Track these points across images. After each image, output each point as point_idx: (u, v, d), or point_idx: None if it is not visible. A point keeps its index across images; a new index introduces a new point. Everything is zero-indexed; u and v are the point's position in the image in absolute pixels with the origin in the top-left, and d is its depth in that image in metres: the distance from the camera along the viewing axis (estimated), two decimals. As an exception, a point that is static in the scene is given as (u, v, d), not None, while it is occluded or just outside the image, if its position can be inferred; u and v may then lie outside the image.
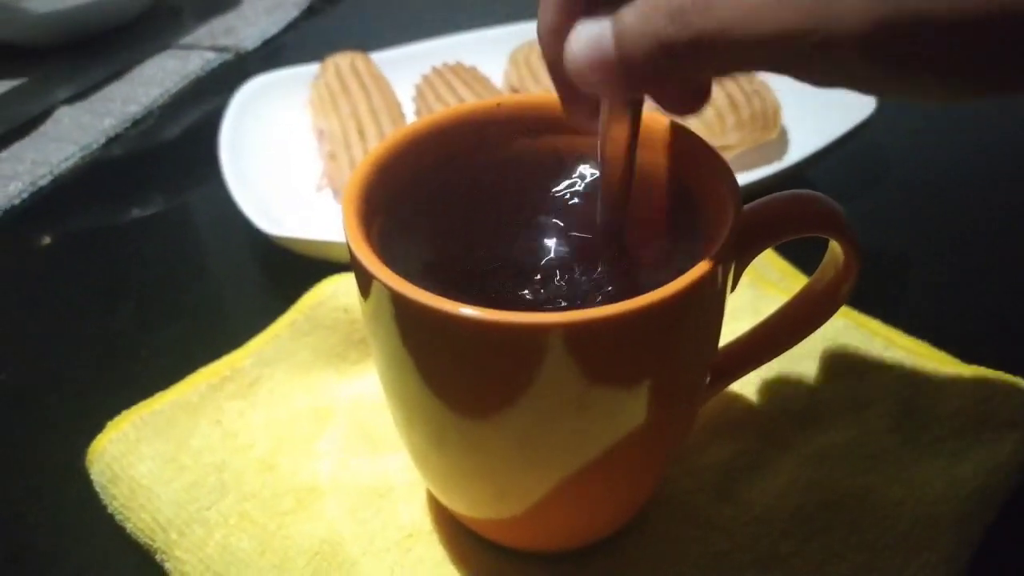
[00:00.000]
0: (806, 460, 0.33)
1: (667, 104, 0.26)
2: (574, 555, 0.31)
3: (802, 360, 0.37)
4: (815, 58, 0.19)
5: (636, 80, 0.22)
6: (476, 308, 0.22)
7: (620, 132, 0.26)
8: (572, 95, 0.26)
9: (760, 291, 0.40)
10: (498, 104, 0.30)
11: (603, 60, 0.22)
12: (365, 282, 0.25)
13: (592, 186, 0.30)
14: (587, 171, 0.30)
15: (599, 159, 0.27)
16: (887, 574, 0.29)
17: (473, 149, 0.30)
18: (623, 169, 0.26)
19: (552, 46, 0.24)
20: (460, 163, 0.30)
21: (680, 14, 0.20)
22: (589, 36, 0.22)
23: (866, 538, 0.30)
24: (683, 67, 0.21)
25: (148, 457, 0.34)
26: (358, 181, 0.27)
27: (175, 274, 0.49)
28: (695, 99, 0.26)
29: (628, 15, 0.21)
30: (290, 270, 0.43)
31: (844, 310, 0.38)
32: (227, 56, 0.70)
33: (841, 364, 0.36)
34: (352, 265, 0.25)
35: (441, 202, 0.29)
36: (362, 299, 0.26)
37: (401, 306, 0.24)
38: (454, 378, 0.25)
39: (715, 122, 0.49)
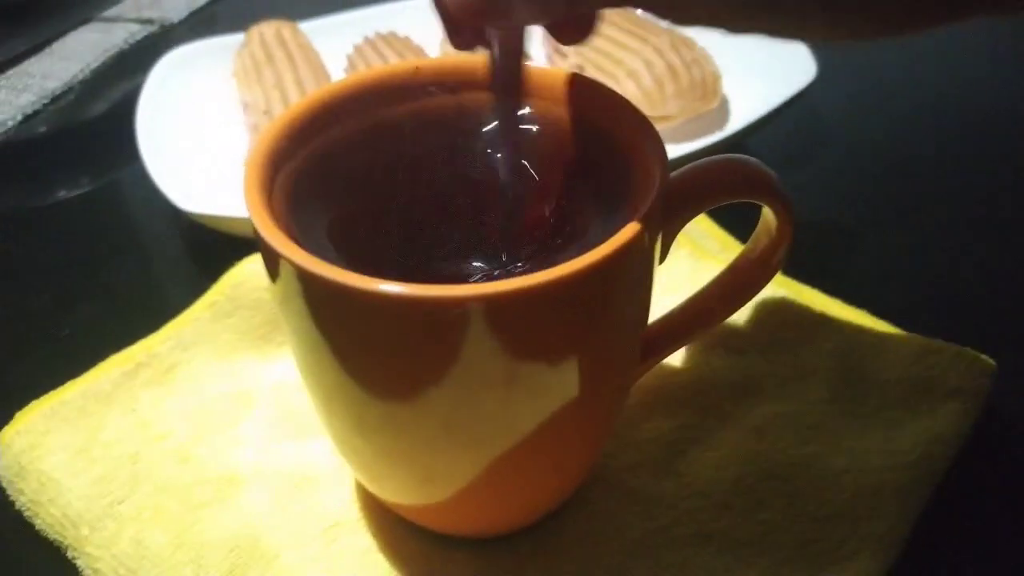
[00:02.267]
0: (746, 432, 0.33)
1: (555, 33, 0.26)
2: (507, 538, 0.30)
3: (739, 332, 0.36)
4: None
5: (504, 11, 0.22)
6: (391, 283, 0.21)
7: (510, 61, 0.26)
8: (456, 23, 0.26)
9: (699, 263, 0.39)
10: (416, 67, 0.28)
11: None
12: (272, 260, 0.23)
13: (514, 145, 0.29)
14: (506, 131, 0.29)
15: (494, 87, 0.26)
16: (830, 545, 0.29)
17: (390, 113, 0.28)
18: (515, 95, 0.26)
19: None
20: (376, 129, 0.28)
21: None
22: None
23: (808, 509, 0.30)
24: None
25: (58, 449, 0.32)
26: (262, 149, 0.25)
27: (94, 255, 0.46)
28: (583, 28, 0.25)
29: None
30: (215, 250, 0.41)
31: (782, 280, 0.37)
32: (152, 28, 0.67)
33: (779, 335, 0.36)
34: (257, 242, 0.24)
35: (356, 171, 0.28)
36: (271, 279, 0.24)
37: (311, 284, 0.22)
38: (372, 360, 0.24)
39: (654, 91, 0.48)
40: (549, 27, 0.26)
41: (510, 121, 0.27)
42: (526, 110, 0.28)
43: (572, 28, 0.25)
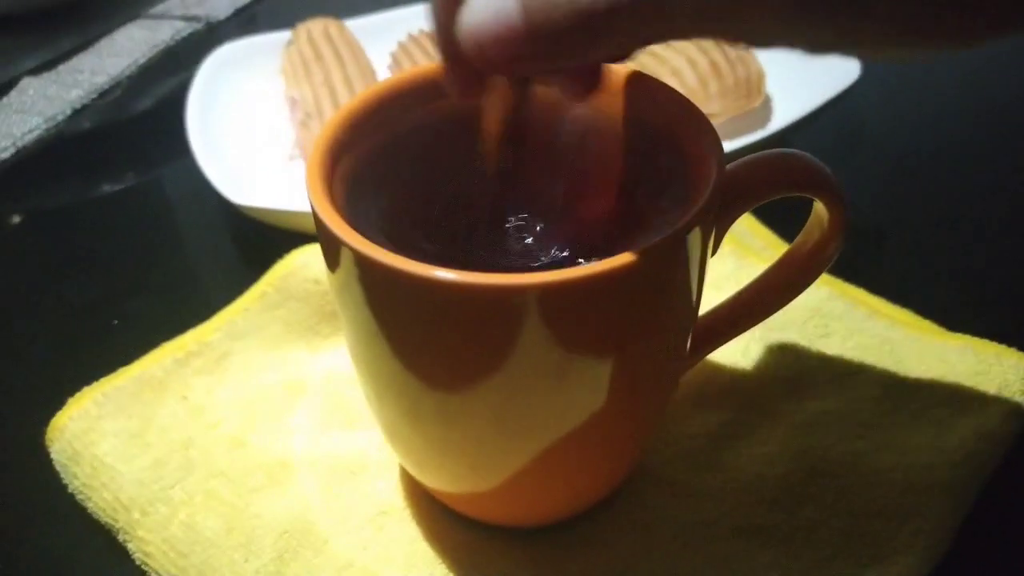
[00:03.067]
0: (794, 428, 0.33)
1: (564, 86, 0.24)
2: (552, 529, 0.30)
3: (786, 329, 0.36)
4: (742, 15, 0.18)
5: (545, 54, 0.20)
6: (448, 270, 0.21)
7: (501, 112, 0.24)
8: (459, 66, 0.23)
9: (743, 260, 0.39)
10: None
11: (507, 33, 0.19)
12: (331, 247, 0.24)
13: (569, 140, 0.29)
14: (561, 126, 0.29)
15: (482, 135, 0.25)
16: (877, 541, 0.29)
17: (443, 108, 0.29)
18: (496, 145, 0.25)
19: (444, 10, 0.21)
20: (429, 122, 0.29)
21: None
22: (490, 5, 0.19)
23: (856, 505, 0.30)
24: (599, 38, 0.19)
25: (111, 434, 0.33)
26: (323, 144, 0.26)
27: (145, 247, 0.47)
28: (590, 82, 0.24)
29: None
30: (264, 242, 0.41)
31: (828, 279, 0.37)
32: (198, 25, 0.68)
33: (826, 333, 0.36)
34: (318, 231, 0.24)
35: (411, 164, 0.28)
36: (328, 267, 0.25)
37: (369, 271, 0.23)
38: (427, 347, 0.24)
39: (698, 90, 0.48)
40: (562, 81, 0.25)
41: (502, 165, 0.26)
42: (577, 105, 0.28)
43: (586, 78, 0.25)
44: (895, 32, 0.18)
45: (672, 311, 0.25)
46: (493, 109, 0.25)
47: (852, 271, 0.38)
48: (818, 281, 0.30)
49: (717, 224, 0.25)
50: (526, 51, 0.19)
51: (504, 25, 0.19)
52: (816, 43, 0.19)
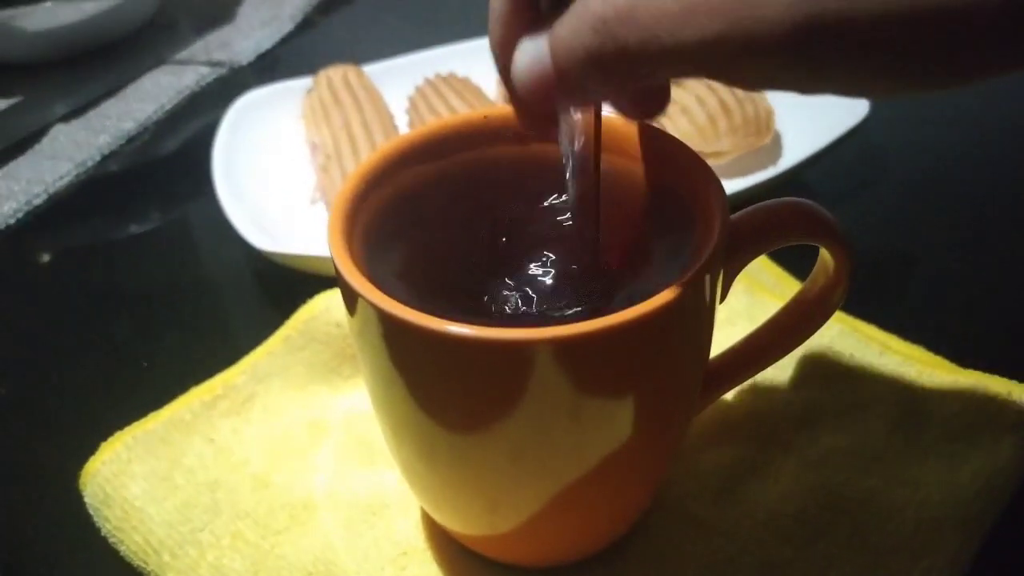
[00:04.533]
0: (808, 463, 0.33)
1: (625, 110, 0.26)
2: (571, 568, 0.31)
3: (798, 366, 0.36)
4: (740, 63, 0.19)
5: (572, 92, 0.22)
6: (463, 325, 0.22)
7: (581, 140, 0.26)
8: (524, 106, 0.26)
9: (755, 297, 0.39)
10: (485, 117, 0.30)
11: (542, 75, 0.22)
12: (351, 299, 0.25)
13: (565, 203, 0.30)
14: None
15: (565, 167, 0.27)
16: None
17: (461, 161, 0.30)
18: (590, 175, 0.26)
19: (503, 59, 0.24)
20: (448, 175, 0.30)
21: (603, 25, 0.20)
22: (529, 53, 0.22)
23: (870, 541, 0.30)
24: (613, 77, 0.21)
25: (141, 477, 0.34)
26: (344, 197, 0.27)
27: (171, 290, 0.48)
28: (653, 103, 0.26)
29: (560, 29, 0.21)
30: (287, 284, 0.42)
31: (839, 315, 0.38)
32: (222, 70, 0.70)
33: (837, 369, 0.36)
34: (339, 283, 0.25)
35: (429, 216, 0.29)
36: (349, 316, 0.26)
37: (387, 324, 0.24)
38: (443, 394, 0.25)
39: (707, 127, 0.48)
40: (620, 104, 0.26)
41: (586, 199, 0.27)
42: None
43: (646, 101, 0.26)
44: (884, 81, 0.19)
45: (682, 358, 0.26)
46: (574, 143, 0.26)
47: (863, 307, 0.38)
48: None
49: (724, 272, 0.26)
50: (560, 92, 0.22)
51: (539, 72, 0.22)
52: (812, 90, 0.20)
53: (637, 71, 0.21)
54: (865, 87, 0.20)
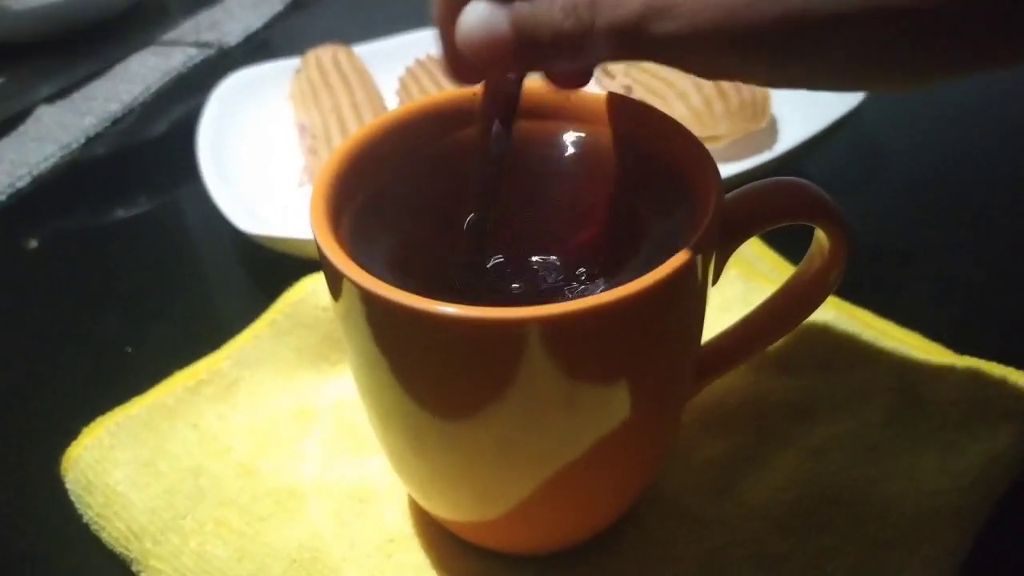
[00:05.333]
0: (804, 453, 0.33)
1: (556, 80, 0.27)
2: (561, 557, 0.30)
3: (794, 353, 0.36)
4: (702, 54, 0.20)
5: (528, 62, 0.24)
6: (450, 305, 0.22)
7: (502, 101, 0.27)
8: (457, 59, 0.26)
9: (751, 283, 0.39)
10: (475, 93, 0.29)
11: (497, 41, 0.23)
12: (335, 281, 0.24)
13: (569, 170, 0.29)
14: (561, 157, 0.29)
15: (489, 128, 0.27)
16: (889, 569, 0.29)
17: (449, 139, 0.29)
18: (507, 136, 0.27)
19: (443, 13, 0.25)
20: (436, 154, 0.29)
21: (573, 9, 0.21)
22: (481, 16, 0.23)
23: (867, 532, 0.30)
24: (576, 56, 0.22)
25: (123, 463, 0.33)
26: (328, 175, 0.26)
27: (156, 274, 0.48)
28: (581, 77, 0.27)
29: (523, 6, 0.22)
30: (274, 268, 0.42)
31: (835, 302, 0.37)
32: (210, 52, 0.69)
33: (834, 357, 0.35)
34: (322, 264, 0.24)
35: (416, 195, 0.29)
36: (333, 299, 0.25)
37: (372, 305, 0.23)
38: (430, 378, 0.24)
39: (704, 111, 0.48)
40: (550, 75, 0.27)
41: (502, 147, 0.28)
42: (575, 135, 0.29)
43: (576, 74, 0.27)
44: (846, 77, 0.21)
45: (674, 340, 0.25)
46: (490, 95, 0.27)
47: (861, 294, 0.38)
48: (825, 304, 0.30)
49: (718, 253, 0.25)
50: (512, 58, 0.23)
51: (495, 35, 0.23)
52: (775, 84, 0.22)
53: (599, 53, 0.22)
54: (827, 82, 0.21)
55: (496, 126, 0.27)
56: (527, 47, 0.22)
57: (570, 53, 0.22)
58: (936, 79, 0.20)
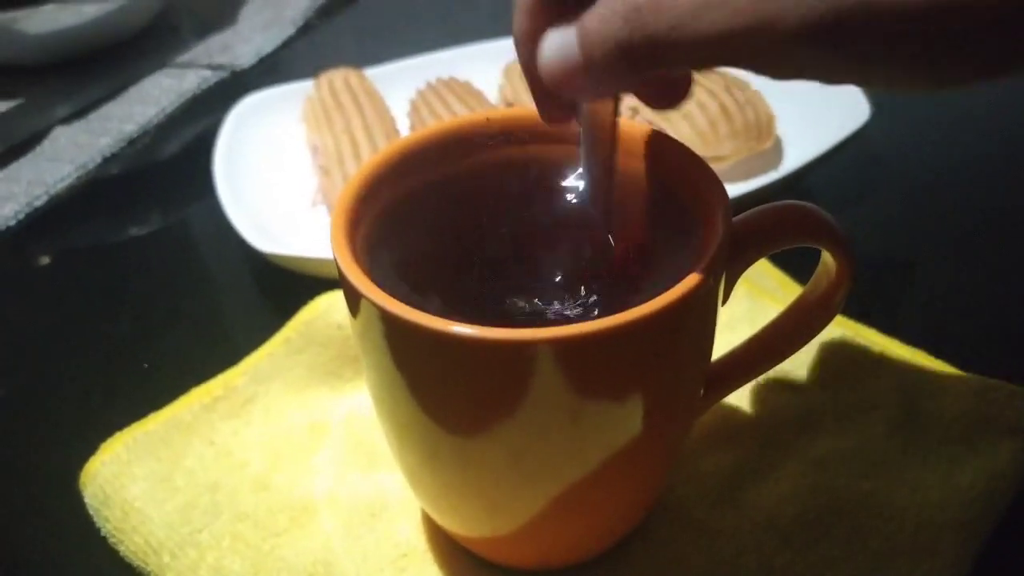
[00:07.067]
0: (808, 465, 0.33)
1: (647, 100, 0.27)
2: (572, 571, 0.31)
3: (799, 370, 0.36)
4: (768, 52, 0.20)
5: (601, 82, 0.23)
6: (465, 325, 0.22)
7: (601, 132, 0.26)
8: (547, 98, 0.27)
9: (757, 302, 0.40)
10: (487, 118, 0.30)
11: (571, 66, 0.22)
12: (354, 300, 0.25)
13: (580, 195, 0.30)
14: (575, 181, 0.30)
15: (583, 159, 0.27)
16: None
17: (463, 163, 0.30)
18: (607, 167, 0.27)
19: (527, 52, 0.25)
20: (450, 177, 0.30)
21: (635, 14, 0.20)
22: (557, 43, 0.23)
23: (870, 544, 0.30)
24: (642, 67, 0.21)
25: (141, 478, 0.34)
26: (347, 198, 0.27)
27: (172, 292, 0.48)
28: (674, 94, 0.26)
29: (588, 20, 0.22)
30: (287, 286, 0.43)
31: (840, 319, 0.38)
32: (223, 74, 0.70)
33: (838, 373, 0.36)
34: (341, 283, 0.25)
35: (431, 217, 0.29)
36: (352, 317, 0.26)
37: (390, 324, 0.24)
38: (445, 395, 0.25)
39: (708, 132, 0.49)
40: (641, 94, 0.27)
41: (599, 190, 0.28)
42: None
43: (669, 91, 0.26)
44: (895, 77, 0.20)
45: (684, 361, 0.26)
46: (594, 135, 0.27)
47: (865, 311, 0.38)
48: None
49: (727, 275, 0.26)
50: (589, 82, 0.22)
51: (568, 62, 0.22)
52: (838, 80, 0.21)
53: (667, 60, 0.21)
54: (886, 79, 0.20)
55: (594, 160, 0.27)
56: (593, 66, 0.22)
57: (638, 67, 0.21)
58: (988, 79, 0.19)
